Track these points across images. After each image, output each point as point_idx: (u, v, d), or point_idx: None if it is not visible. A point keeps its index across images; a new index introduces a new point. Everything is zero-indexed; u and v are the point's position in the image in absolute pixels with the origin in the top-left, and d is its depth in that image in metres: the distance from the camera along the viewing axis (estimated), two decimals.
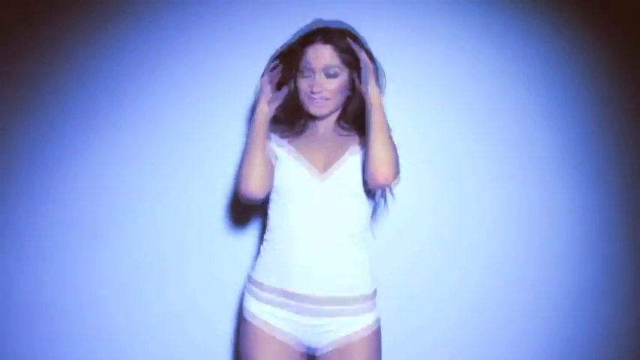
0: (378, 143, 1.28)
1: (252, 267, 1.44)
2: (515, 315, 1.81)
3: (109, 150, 1.77)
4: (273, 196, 1.40)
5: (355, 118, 1.42)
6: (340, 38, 1.35)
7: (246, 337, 1.37)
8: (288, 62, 1.39)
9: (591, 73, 1.81)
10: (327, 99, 1.36)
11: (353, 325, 1.33)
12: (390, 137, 1.32)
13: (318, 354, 1.36)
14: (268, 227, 1.41)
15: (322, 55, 1.33)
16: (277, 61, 1.40)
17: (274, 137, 1.43)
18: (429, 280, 1.79)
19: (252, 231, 1.78)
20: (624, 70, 1.82)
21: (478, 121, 1.79)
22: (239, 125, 1.74)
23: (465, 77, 1.78)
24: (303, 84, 1.37)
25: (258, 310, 1.36)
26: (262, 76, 1.40)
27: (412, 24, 1.76)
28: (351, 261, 1.35)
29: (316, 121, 1.45)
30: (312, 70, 1.34)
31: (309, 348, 1.37)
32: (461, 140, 1.79)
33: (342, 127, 1.44)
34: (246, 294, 1.41)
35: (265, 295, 1.36)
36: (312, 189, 1.33)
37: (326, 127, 1.45)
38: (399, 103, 1.73)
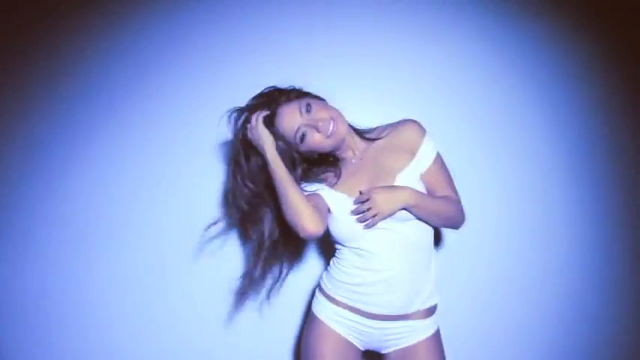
0: (438, 223, 1.38)
1: (323, 281, 1.45)
2: (516, 316, 1.80)
3: (111, 153, 1.77)
4: (338, 239, 1.38)
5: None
6: (286, 93, 1.39)
7: (313, 332, 1.40)
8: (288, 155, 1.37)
9: (592, 76, 1.82)
10: (333, 119, 1.33)
11: (419, 333, 1.36)
12: (441, 211, 1.34)
13: (382, 352, 1.41)
14: (340, 253, 1.41)
15: (292, 111, 1.34)
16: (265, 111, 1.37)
17: (322, 189, 1.39)
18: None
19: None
20: (624, 72, 1.83)
21: (479, 124, 1.79)
22: None
23: (466, 80, 1.79)
24: (310, 139, 1.33)
25: (327, 316, 1.40)
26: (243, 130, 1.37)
27: (414, 27, 1.78)
28: (424, 278, 1.36)
29: (342, 154, 1.43)
30: (300, 126, 1.32)
31: (373, 349, 1.42)
32: (461, 143, 1.78)
33: (366, 138, 1.43)
34: (319, 298, 1.44)
35: (339, 309, 1.38)
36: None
37: (353, 151, 1.43)
38: (402, 106, 1.74)
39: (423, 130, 1.38)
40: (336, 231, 1.35)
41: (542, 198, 1.80)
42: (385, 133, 1.40)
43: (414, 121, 1.40)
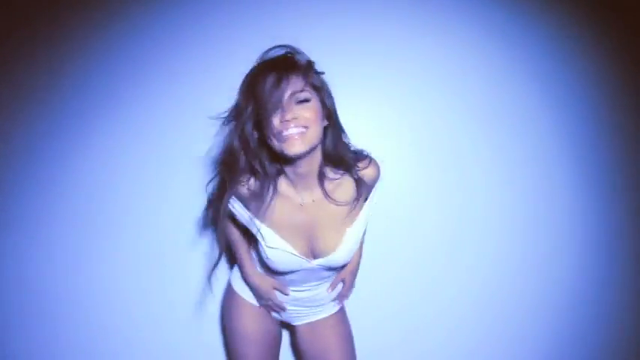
0: None
1: (234, 278, 1.52)
2: (518, 313, 1.82)
3: (112, 146, 1.75)
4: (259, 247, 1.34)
5: (338, 157, 1.23)
6: (298, 63, 1.17)
7: (230, 304, 1.49)
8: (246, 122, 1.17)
9: (598, 72, 1.78)
10: (305, 127, 1.13)
11: (326, 310, 1.49)
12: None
13: (293, 324, 1.52)
14: (256, 259, 1.45)
15: (286, 82, 1.12)
16: None
17: (249, 216, 1.27)
18: (432, 278, 1.80)
19: None
20: (631, 69, 1.78)
21: (484, 120, 1.77)
22: None
23: (472, 75, 1.75)
24: (275, 121, 1.13)
25: (242, 287, 1.48)
26: None
27: (420, 22, 1.73)
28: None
29: (295, 181, 1.23)
30: (279, 102, 1.12)
31: (285, 320, 1.53)
32: (466, 139, 1.77)
33: (329, 180, 1.25)
34: (236, 271, 1.51)
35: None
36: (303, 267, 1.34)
37: (307, 187, 1.25)
38: (407, 101, 1.72)
39: (379, 174, 1.29)
40: (266, 256, 1.29)
41: (546, 196, 1.79)
42: (341, 173, 1.26)
43: (377, 166, 1.28)
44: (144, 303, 1.79)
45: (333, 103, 1.21)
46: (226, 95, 1.67)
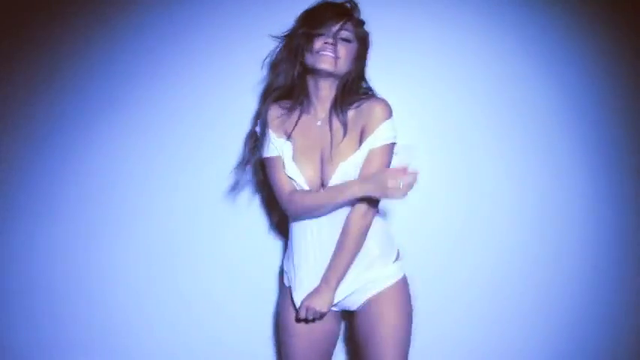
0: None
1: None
2: (525, 310, 1.79)
3: (125, 137, 1.77)
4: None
5: (349, 97, 1.43)
6: (355, 14, 1.43)
7: (284, 301, 1.48)
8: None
9: (609, 68, 1.78)
10: (338, 57, 1.37)
11: (381, 282, 1.41)
12: (358, 248, 1.40)
13: (353, 310, 1.45)
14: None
15: (341, 21, 1.37)
16: None
17: (273, 135, 1.45)
18: (438, 275, 1.78)
19: (262, 219, 1.79)
20: None
21: (494, 115, 1.76)
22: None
23: (482, 71, 1.76)
24: (317, 43, 1.37)
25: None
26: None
27: (429, 17, 1.74)
28: (366, 246, 1.40)
29: (315, 103, 1.44)
30: (329, 29, 1.36)
31: (344, 307, 1.47)
32: (475, 135, 1.76)
33: (339, 113, 1.42)
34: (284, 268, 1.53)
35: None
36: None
37: (324, 111, 1.44)
38: (416, 96, 1.73)
39: (388, 113, 1.38)
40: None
41: (557, 191, 1.78)
42: (355, 105, 1.42)
43: (384, 102, 1.40)
44: (154, 302, 1.79)
45: (366, 56, 1.46)
46: (234, 93, 1.73)
